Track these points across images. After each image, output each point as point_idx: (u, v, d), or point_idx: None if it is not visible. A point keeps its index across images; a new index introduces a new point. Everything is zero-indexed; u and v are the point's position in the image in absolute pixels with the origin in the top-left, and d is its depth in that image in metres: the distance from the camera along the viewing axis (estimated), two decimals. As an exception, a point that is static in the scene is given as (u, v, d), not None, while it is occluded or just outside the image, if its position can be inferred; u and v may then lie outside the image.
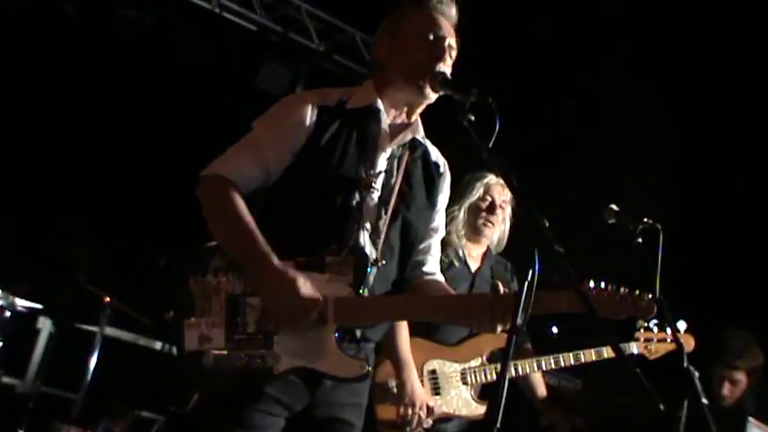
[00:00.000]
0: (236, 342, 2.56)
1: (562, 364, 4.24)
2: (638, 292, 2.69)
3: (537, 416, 4.58)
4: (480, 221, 4.41)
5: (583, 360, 4.20)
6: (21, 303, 5.40)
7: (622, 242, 3.64)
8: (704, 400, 2.80)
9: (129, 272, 6.79)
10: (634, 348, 4.19)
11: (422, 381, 4.03)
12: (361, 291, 2.63)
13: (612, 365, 4.14)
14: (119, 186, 7.79)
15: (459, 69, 2.93)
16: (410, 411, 3.91)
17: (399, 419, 3.92)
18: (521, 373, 4.27)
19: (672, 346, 4.09)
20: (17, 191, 7.10)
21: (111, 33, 7.72)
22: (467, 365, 4.20)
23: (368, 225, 2.74)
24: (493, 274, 4.45)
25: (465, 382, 4.18)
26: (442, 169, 3.04)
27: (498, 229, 4.48)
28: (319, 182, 2.71)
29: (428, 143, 3.00)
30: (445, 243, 3.74)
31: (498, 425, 2.11)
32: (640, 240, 3.59)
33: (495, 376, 4.18)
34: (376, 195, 2.77)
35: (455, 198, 4.29)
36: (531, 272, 2.17)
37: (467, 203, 4.43)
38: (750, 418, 4.22)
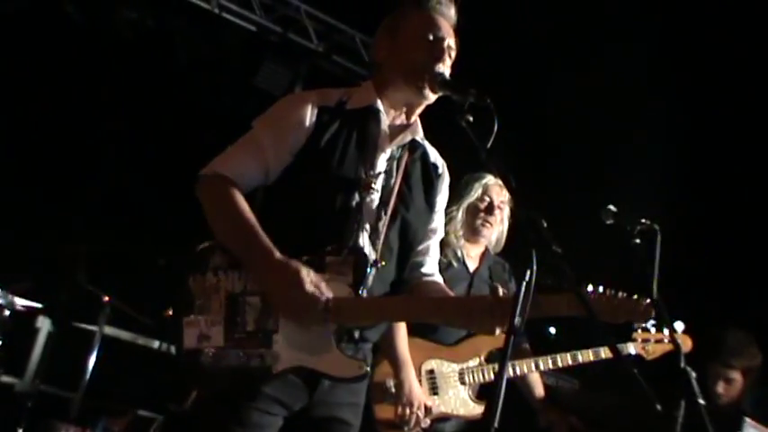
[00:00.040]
0: (234, 341, 2.55)
1: (560, 365, 4.25)
2: (635, 296, 2.69)
3: (535, 416, 4.59)
4: (479, 222, 4.42)
5: (580, 360, 4.21)
6: (20, 302, 5.40)
7: (620, 243, 3.64)
8: (701, 401, 2.80)
9: (128, 271, 6.79)
10: (631, 349, 4.19)
11: (420, 380, 4.04)
12: (360, 291, 2.63)
13: (610, 366, 4.15)
14: (118, 186, 7.80)
15: (460, 69, 2.94)
16: (408, 411, 3.91)
17: (397, 419, 3.93)
18: (519, 373, 4.27)
19: (669, 347, 4.09)
20: (17, 191, 7.10)
21: (112, 34, 7.73)
22: (465, 365, 4.20)
23: (367, 226, 2.74)
24: (491, 275, 4.46)
25: (463, 382, 4.19)
26: (440, 170, 3.04)
27: (496, 230, 4.48)
28: (319, 182, 2.71)
29: (427, 144, 3.00)
30: (444, 243, 3.73)
31: (496, 425, 2.11)
32: (638, 241, 3.60)
33: (492, 376, 4.18)
34: (376, 196, 2.77)
35: (453, 198, 4.28)
36: (528, 272, 2.17)
37: (465, 204, 4.44)
38: (746, 419, 4.22)
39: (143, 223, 7.58)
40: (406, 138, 2.89)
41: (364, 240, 2.72)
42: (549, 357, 4.26)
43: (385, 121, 2.86)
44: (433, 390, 4.13)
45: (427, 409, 3.96)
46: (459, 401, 4.17)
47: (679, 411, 3.53)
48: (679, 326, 4.00)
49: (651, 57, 6.65)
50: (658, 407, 2.34)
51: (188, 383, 2.67)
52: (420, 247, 2.98)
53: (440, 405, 4.11)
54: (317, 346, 2.58)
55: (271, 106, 2.89)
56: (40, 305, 5.67)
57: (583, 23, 6.86)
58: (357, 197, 2.73)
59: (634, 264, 3.53)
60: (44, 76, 7.51)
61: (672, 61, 6.64)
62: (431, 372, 4.16)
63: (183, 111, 7.95)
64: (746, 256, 6.60)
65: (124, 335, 6.81)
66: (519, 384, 4.48)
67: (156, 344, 6.93)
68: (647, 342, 4.17)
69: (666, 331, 4.09)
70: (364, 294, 2.66)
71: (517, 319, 2.19)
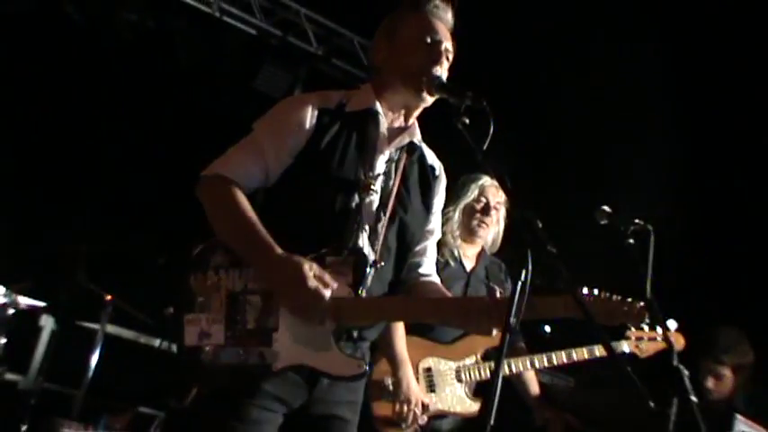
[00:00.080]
0: (235, 338, 2.56)
1: (555, 363, 4.25)
2: (630, 299, 2.70)
3: (530, 413, 4.59)
4: (475, 222, 4.43)
5: (575, 358, 4.21)
6: (23, 301, 5.42)
7: (615, 242, 3.65)
8: (693, 398, 2.81)
9: (129, 271, 6.80)
10: (625, 347, 4.19)
11: (417, 378, 4.04)
12: (359, 291, 2.64)
13: (605, 364, 4.16)
14: (119, 187, 7.79)
15: (459, 69, 2.95)
16: (406, 408, 3.91)
17: (395, 416, 3.93)
18: (514, 370, 4.28)
19: (663, 345, 4.10)
20: (19, 191, 7.10)
21: (113, 36, 7.72)
22: (461, 363, 4.21)
23: (366, 227, 2.75)
24: (488, 274, 4.47)
25: (459, 380, 4.19)
26: (437, 172, 3.05)
27: (493, 230, 4.49)
28: (319, 183, 2.71)
29: (424, 146, 3.01)
30: (441, 243, 3.74)
31: (492, 422, 2.12)
32: (632, 241, 3.61)
33: (489, 374, 4.19)
34: (375, 197, 2.78)
35: (450, 199, 4.29)
36: (524, 272, 2.19)
37: (462, 205, 4.45)
38: (737, 415, 4.23)
39: (143, 223, 7.58)
40: (405, 140, 2.90)
41: (363, 241, 2.72)
42: (544, 355, 4.27)
43: (384, 124, 2.87)
44: (431, 387, 4.13)
45: (424, 407, 3.97)
46: (456, 399, 4.18)
47: (672, 409, 3.54)
48: (672, 324, 4.00)
49: (650, 56, 6.61)
50: (652, 404, 2.35)
51: (188, 380, 2.67)
52: (417, 248, 2.99)
53: (437, 402, 4.12)
54: (317, 344, 2.59)
55: (270, 108, 2.89)
56: (43, 304, 5.68)
57: (582, 23, 6.84)
58: (357, 198, 2.74)
59: (628, 263, 3.54)
60: (45, 76, 7.51)
61: (670, 61, 6.60)
62: (428, 370, 4.16)
63: (184, 112, 7.95)
64: (740, 256, 6.59)
65: (126, 333, 6.80)
66: (514, 382, 4.49)
67: (156, 342, 6.93)
68: (641, 340, 4.18)
69: (660, 330, 4.10)
70: (363, 294, 2.66)
71: (513, 319, 2.20)
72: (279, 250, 2.54)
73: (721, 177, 6.76)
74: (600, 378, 5.18)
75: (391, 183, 2.83)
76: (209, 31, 8.08)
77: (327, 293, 2.52)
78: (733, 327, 4.93)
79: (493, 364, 4.10)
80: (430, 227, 3.03)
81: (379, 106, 2.87)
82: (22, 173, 7.32)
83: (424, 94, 2.80)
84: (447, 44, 2.87)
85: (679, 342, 4.08)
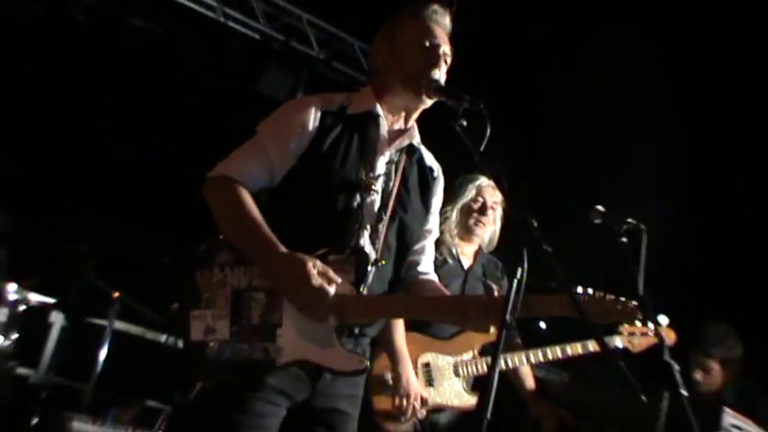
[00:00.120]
0: (239, 334, 2.56)
1: (550, 357, 4.26)
2: (623, 298, 2.71)
3: (526, 407, 4.59)
4: (472, 221, 4.43)
5: (569, 353, 4.22)
6: (34, 298, 5.43)
7: (609, 241, 3.65)
8: (684, 392, 2.81)
9: (136, 269, 6.80)
10: (618, 342, 4.19)
11: (416, 373, 4.04)
12: (361, 289, 2.65)
13: (599, 359, 4.16)
14: (126, 189, 7.80)
15: (460, 69, 2.95)
16: (405, 402, 3.91)
17: (395, 410, 3.93)
18: (510, 365, 4.28)
19: (654, 340, 4.10)
20: (30, 193, 7.11)
21: (121, 41, 7.73)
22: (459, 358, 4.21)
23: (368, 226, 2.75)
24: (484, 272, 4.47)
25: (457, 375, 4.19)
26: (435, 174, 3.05)
27: (489, 229, 4.49)
28: (322, 184, 2.72)
29: (423, 148, 3.01)
30: (439, 242, 3.75)
31: (489, 415, 2.12)
32: (625, 240, 3.61)
33: (485, 369, 4.19)
34: (376, 198, 2.78)
35: (448, 199, 4.31)
36: (520, 270, 2.19)
37: (459, 204, 4.45)
38: (726, 409, 4.23)
39: (149, 223, 7.58)
40: (404, 142, 2.90)
41: (365, 240, 2.73)
42: (539, 350, 4.27)
43: (384, 126, 2.87)
44: (429, 382, 4.13)
45: (423, 401, 3.97)
46: (454, 393, 4.18)
47: (663, 403, 3.54)
48: (663, 320, 4.01)
49: (649, 56, 6.57)
50: (644, 398, 2.36)
51: (194, 375, 2.66)
52: (416, 247, 2.99)
53: (435, 396, 4.11)
54: (320, 340, 2.59)
55: (274, 111, 2.89)
56: (53, 301, 5.69)
57: (581, 23, 6.82)
58: (358, 198, 2.74)
59: (621, 261, 3.54)
60: (55, 79, 7.53)
61: (668, 61, 6.56)
62: (427, 365, 4.16)
63: (189, 115, 7.96)
64: (731, 253, 6.58)
65: (133, 329, 6.81)
66: (510, 377, 4.49)
67: (163, 338, 6.93)
68: (633, 335, 4.18)
69: (651, 325, 4.10)
70: (365, 292, 2.67)
71: (509, 316, 2.20)
72: (283, 249, 2.54)
73: (718, 177, 6.72)
74: (594, 372, 5.17)
75: (391, 183, 2.84)
76: (214, 36, 8.10)
77: (332, 290, 2.53)
78: (722, 322, 4.94)
79: (489, 359, 4.11)
80: (428, 226, 3.04)
81: (379, 109, 2.87)
82: (33, 174, 7.33)
83: (423, 97, 2.81)
84: (445, 48, 2.88)
85: (670, 337, 4.08)
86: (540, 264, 2.21)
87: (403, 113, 2.92)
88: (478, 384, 4.24)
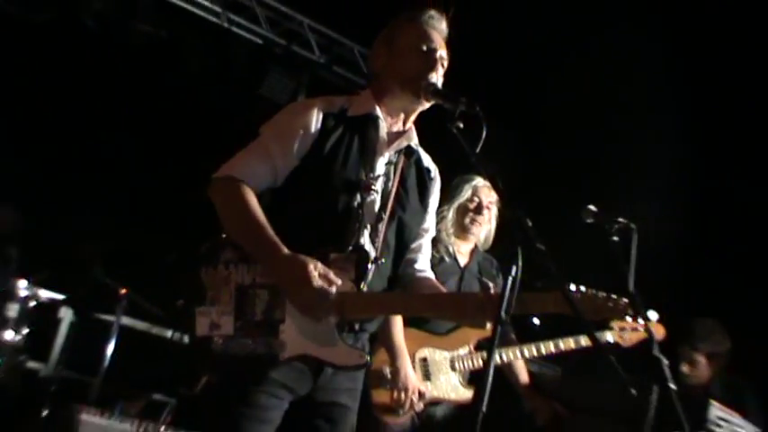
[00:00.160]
0: (243, 329, 2.57)
1: (543, 352, 4.26)
2: (614, 295, 2.72)
3: (520, 400, 4.60)
4: (468, 220, 4.43)
5: (562, 348, 4.22)
6: (44, 294, 5.44)
7: (600, 240, 3.65)
8: (672, 386, 2.82)
9: (142, 267, 6.80)
10: (609, 337, 4.19)
11: (414, 367, 4.05)
12: (361, 286, 2.66)
13: (590, 353, 4.16)
14: (132, 189, 7.80)
15: (459, 69, 2.95)
16: (403, 396, 3.93)
17: (393, 403, 3.94)
18: (505, 360, 4.29)
19: (644, 335, 4.11)
20: (41, 194, 7.12)
21: (128, 45, 7.73)
22: (455, 353, 4.22)
23: (368, 225, 2.75)
24: (480, 270, 4.47)
25: (454, 369, 4.20)
26: (433, 174, 3.06)
27: (485, 228, 4.49)
28: (324, 184, 2.72)
29: (421, 150, 3.01)
30: (436, 240, 3.75)
31: (484, 408, 2.13)
32: (616, 239, 3.61)
33: (481, 363, 4.20)
34: (376, 198, 2.79)
35: (445, 199, 4.31)
36: (514, 268, 2.20)
37: (456, 204, 4.45)
38: (712, 402, 4.24)
39: (155, 223, 7.59)
40: (403, 144, 2.90)
41: (365, 239, 2.73)
42: (533, 345, 4.28)
43: (384, 128, 2.88)
44: (426, 376, 4.14)
45: (421, 394, 3.98)
46: (451, 387, 4.18)
47: (652, 395, 3.55)
48: (653, 315, 4.01)
49: (648, 56, 6.52)
50: (634, 392, 2.36)
51: (199, 369, 2.67)
52: (414, 245, 3.00)
53: (432, 390, 4.12)
54: (322, 335, 2.60)
55: (276, 113, 2.89)
56: (62, 297, 5.70)
57: (580, 24, 6.78)
58: (359, 198, 2.74)
59: (613, 259, 3.55)
60: (64, 82, 7.53)
61: (669, 59, 6.49)
62: (424, 359, 4.17)
63: (193, 116, 7.96)
64: (722, 252, 6.55)
65: (139, 325, 6.81)
66: (505, 371, 4.49)
67: (168, 333, 6.93)
68: (624, 331, 4.18)
69: (641, 321, 4.11)
70: (365, 289, 2.67)
71: (504, 312, 2.21)
72: (285, 250, 2.54)
73: (713, 176, 6.67)
74: (586, 367, 5.18)
75: (390, 184, 2.84)
76: (218, 41, 8.10)
77: (332, 291, 2.53)
78: (710, 318, 4.95)
79: (485, 354, 4.11)
80: (425, 225, 3.04)
81: (378, 111, 2.87)
82: (43, 174, 7.33)
83: (421, 99, 2.81)
84: (442, 52, 2.89)
85: (659, 332, 4.09)
86: (534, 262, 2.21)
87: (402, 115, 2.93)
88: (474, 378, 4.25)
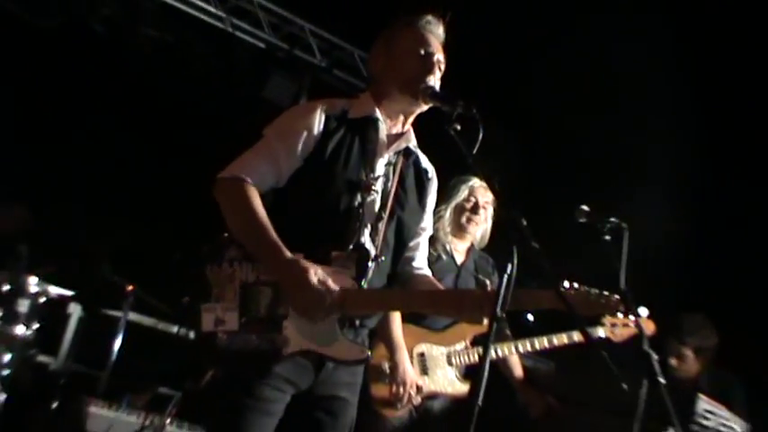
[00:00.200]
0: (248, 325, 2.56)
1: (537, 347, 4.27)
2: (606, 292, 2.72)
3: (515, 394, 4.60)
4: (465, 220, 4.43)
5: (555, 343, 4.22)
6: (54, 291, 5.44)
7: (593, 239, 3.65)
8: (661, 380, 2.83)
9: (148, 264, 6.81)
10: (601, 333, 4.19)
11: (412, 362, 4.05)
12: (361, 283, 2.66)
13: (583, 348, 4.16)
14: (139, 189, 7.81)
15: (459, 69, 2.95)
16: (401, 390, 3.93)
17: (392, 397, 3.95)
18: (500, 355, 4.29)
19: (635, 331, 4.11)
20: (50, 194, 7.12)
21: (135, 49, 7.74)
22: (452, 348, 4.22)
23: (368, 224, 2.75)
24: (476, 268, 4.47)
25: (450, 364, 4.20)
26: (430, 175, 3.06)
27: (481, 227, 4.49)
28: (327, 185, 2.72)
29: (419, 151, 3.02)
30: (434, 239, 3.75)
31: (480, 402, 2.13)
32: (608, 237, 3.62)
33: (477, 358, 4.20)
34: (376, 197, 2.79)
35: (442, 199, 4.31)
36: (510, 266, 2.20)
37: (453, 204, 4.45)
38: (700, 395, 4.25)
39: (161, 222, 7.59)
40: (402, 145, 2.90)
41: (365, 237, 2.73)
42: (527, 341, 4.28)
43: (383, 130, 2.88)
44: (424, 370, 4.14)
45: (418, 388, 3.99)
46: (447, 381, 4.19)
47: (642, 389, 3.55)
48: (643, 311, 4.01)
49: (647, 56, 6.48)
50: (624, 386, 2.37)
51: (205, 364, 2.67)
52: (412, 244, 2.99)
53: (429, 384, 4.12)
54: (323, 331, 2.60)
55: (278, 115, 2.89)
56: (71, 293, 5.70)
57: (578, 23, 6.76)
58: (359, 198, 2.74)
59: (606, 257, 3.55)
60: (75, 84, 7.54)
61: (668, 59, 6.44)
62: (422, 354, 4.17)
63: (198, 118, 7.97)
64: (713, 249, 6.53)
65: (146, 320, 6.81)
66: (500, 366, 4.49)
67: (174, 329, 6.94)
68: (615, 326, 4.18)
69: (632, 317, 4.11)
70: (365, 286, 2.68)
71: (499, 308, 2.22)
72: (288, 254, 2.54)
73: (708, 176, 6.63)
74: (578, 362, 5.18)
75: (390, 184, 2.84)
76: (222, 45, 8.11)
77: (329, 297, 2.54)
78: (699, 313, 4.95)
79: (481, 349, 4.13)
80: (423, 224, 3.04)
81: (378, 113, 2.87)
82: (53, 175, 7.34)
83: (419, 101, 2.81)
84: (439, 56, 2.89)
85: (649, 328, 4.09)
86: (528, 260, 2.22)
87: (401, 117, 2.93)
88: (470, 373, 4.25)
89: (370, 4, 5.81)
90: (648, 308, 4.01)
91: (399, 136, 2.92)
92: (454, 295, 3.02)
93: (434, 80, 2.83)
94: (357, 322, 2.71)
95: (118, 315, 5.90)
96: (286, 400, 2.63)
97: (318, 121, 2.77)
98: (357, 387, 2.85)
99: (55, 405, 5.33)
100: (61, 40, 7.45)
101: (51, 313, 5.57)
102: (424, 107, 2.86)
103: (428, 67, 2.83)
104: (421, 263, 3.04)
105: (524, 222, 2.26)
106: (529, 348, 4.27)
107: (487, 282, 4.37)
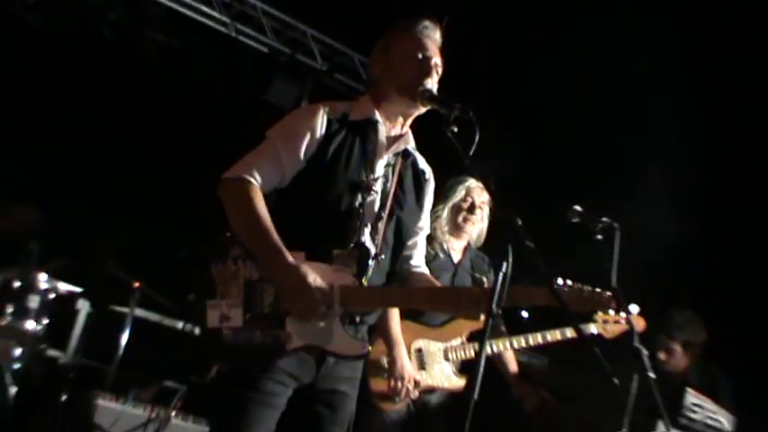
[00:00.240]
0: (252, 321, 2.56)
1: (531, 343, 4.27)
2: (598, 289, 2.73)
3: (509, 389, 4.60)
4: (461, 219, 4.43)
5: (549, 339, 4.22)
6: (63, 287, 5.44)
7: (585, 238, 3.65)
8: (651, 375, 2.83)
9: (155, 261, 6.80)
10: (593, 329, 4.19)
11: (410, 358, 4.05)
12: (362, 281, 2.67)
13: (576, 344, 4.17)
14: (146, 188, 7.81)
15: (459, 69, 2.95)
16: (399, 384, 3.93)
17: (390, 391, 3.95)
18: (495, 350, 4.29)
19: (626, 327, 4.11)
20: (60, 193, 7.12)
21: (142, 54, 7.75)
22: (449, 344, 4.22)
23: (368, 224, 2.76)
24: (473, 266, 4.47)
25: (447, 359, 4.20)
26: (427, 176, 3.06)
27: (477, 227, 4.49)
28: (328, 185, 2.72)
29: (417, 153, 3.02)
30: (431, 238, 3.76)
31: (476, 396, 2.14)
32: (600, 237, 3.62)
33: (473, 354, 4.20)
34: (376, 198, 2.79)
35: (439, 199, 4.32)
36: (505, 264, 2.21)
37: (450, 204, 4.45)
38: (688, 389, 4.26)
39: (167, 220, 7.59)
40: (400, 147, 2.91)
41: (366, 236, 2.74)
42: (522, 337, 4.28)
43: (383, 132, 2.88)
44: (421, 365, 4.14)
45: (416, 383, 3.99)
46: (444, 376, 4.19)
47: (633, 384, 3.55)
48: (634, 308, 4.02)
49: (647, 56, 6.43)
50: (615, 380, 2.37)
51: (210, 359, 2.68)
52: (410, 242, 3.00)
53: (427, 379, 4.12)
54: (325, 327, 2.60)
55: (281, 118, 2.89)
56: (80, 290, 5.70)
57: (578, 23, 6.73)
58: (360, 198, 2.75)
59: (598, 256, 3.55)
60: (84, 87, 7.54)
61: (667, 60, 6.39)
62: (419, 350, 4.17)
63: (203, 120, 7.97)
64: (705, 247, 6.52)
65: (152, 316, 6.81)
66: (495, 361, 4.49)
67: (179, 324, 6.94)
68: (607, 323, 4.18)
69: (623, 313, 4.11)
70: (366, 283, 2.68)
71: (495, 305, 2.22)
72: (289, 258, 2.55)
73: (705, 175, 6.61)
74: (571, 357, 5.19)
75: (389, 184, 2.85)
76: (226, 50, 8.11)
77: (325, 302, 2.54)
78: (686, 308, 4.96)
79: (477, 345, 4.13)
80: (421, 224, 3.04)
81: (378, 115, 2.88)
82: (62, 175, 7.34)
83: (418, 104, 2.82)
84: (436, 60, 2.89)
85: (640, 324, 4.09)
86: (523, 258, 2.22)
87: (400, 119, 2.93)
88: (466, 368, 4.25)
89: (370, 10, 5.81)
90: (640, 305, 4.01)
91: (398, 138, 2.92)
92: (452, 292, 3.03)
93: (432, 83, 2.84)
94: (357, 318, 2.72)
95: (125, 311, 5.90)
96: (288, 393, 2.64)
97: (321, 124, 2.77)
98: (357, 381, 2.86)
99: (64, 398, 5.33)
100: (70, 43, 7.46)
101: (60, 309, 5.58)
102: (422, 109, 2.86)
103: (426, 70, 2.84)
104: (419, 261, 3.05)
105: (519, 222, 2.26)
106: (523, 344, 4.28)
107: (484, 279, 4.38)
